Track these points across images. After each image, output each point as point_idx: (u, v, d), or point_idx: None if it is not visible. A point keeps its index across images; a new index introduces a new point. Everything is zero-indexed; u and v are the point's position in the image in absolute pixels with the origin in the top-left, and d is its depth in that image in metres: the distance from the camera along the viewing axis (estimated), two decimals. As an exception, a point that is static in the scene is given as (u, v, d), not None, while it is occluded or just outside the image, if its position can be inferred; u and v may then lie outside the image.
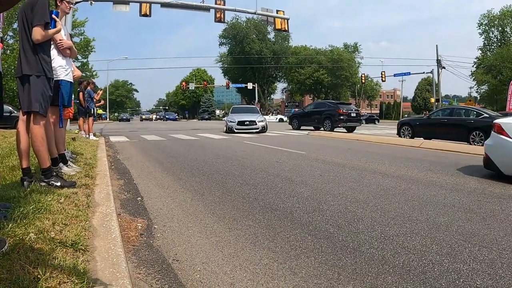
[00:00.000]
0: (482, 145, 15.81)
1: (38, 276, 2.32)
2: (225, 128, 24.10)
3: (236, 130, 22.85)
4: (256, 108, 30.63)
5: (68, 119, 11.15)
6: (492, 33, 67.58)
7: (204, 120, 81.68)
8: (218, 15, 26.78)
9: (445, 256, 3.45)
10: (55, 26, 5.03)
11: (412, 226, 4.37)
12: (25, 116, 4.90)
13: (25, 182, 4.71)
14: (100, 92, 17.98)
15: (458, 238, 3.97)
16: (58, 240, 2.96)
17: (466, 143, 16.83)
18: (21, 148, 4.83)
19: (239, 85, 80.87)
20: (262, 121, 23.90)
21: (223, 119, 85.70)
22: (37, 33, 4.64)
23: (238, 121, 23.12)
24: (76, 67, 7.29)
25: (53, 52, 5.54)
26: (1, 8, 2.17)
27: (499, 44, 65.60)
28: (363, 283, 2.94)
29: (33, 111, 4.75)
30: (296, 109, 45.39)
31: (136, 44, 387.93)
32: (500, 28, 66.32)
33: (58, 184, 4.88)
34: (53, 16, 4.98)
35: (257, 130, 23.16)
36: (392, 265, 3.26)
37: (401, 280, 2.98)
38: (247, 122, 23.25)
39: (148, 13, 24.73)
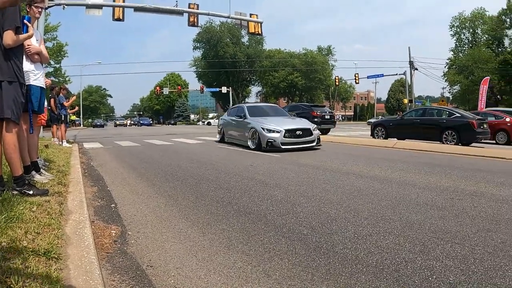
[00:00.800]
0: (455, 144, 16.21)
1: (11, 285, 2.32)
2: (249, 142, 14.46)
3: (283, 147, 13.35)
4: (281, 108, 19.58)
5: (41, 126, 10.96)
6: (464, 35, 69.04)
7: (170, 125, 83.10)
8: (191, 19, 26.64)
9: (418, 254, 3.53)
10: (27, 31, 4.98)
11: (385, 225, 4.44)
12: None
13: (-4, 191, 4.65)
14: (73, 98, 17.51)
15: (431, 235, 4.06)
16: (31, 249, 2.95)
17: (439, 142, 17.15)
18: None
19: (214, 89, 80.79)
20: (315, 129, 14.82)
21: (198, 123, 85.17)
22: (8, 37, 4.58)
23: (286, 130, 13.60)
24: (49, 72, 7.20)
25: None
26: None
27: (471, 45, 66.96)
28: (336, 283, 2.99)
29: (5, 118, 4.69)
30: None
31: (110, 49, 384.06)
32: (471, 30, 67.74)
33: (31, 192, 4.83)
34: (25, 21, 4.93)
35: (313, 144, 14.25)
36: (365, 264, 3.32)
37: (375, 279, 3.04)
38: (299, 132, 13.80)
39: (121, 18, 24.47)
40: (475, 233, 4.12)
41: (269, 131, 13.67)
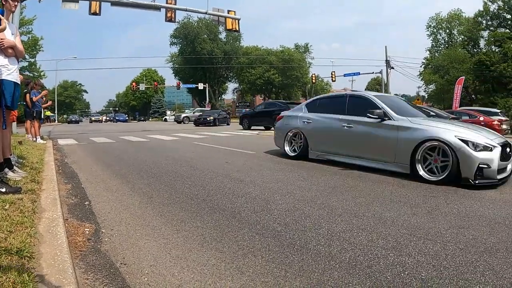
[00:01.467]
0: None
1: (-18, 285, 2.32)
2: (419, 168, 7.42)
3: (499, 176, 6.99)
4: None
5: (13, 122, 10.76)
6: (440, 35, 69.62)
7: (141, 121, 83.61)
8: (169, 14, 26.44)
9: (390, 250, 3.61)
10: (0, 25, 4.92)
11: (359, 222, 4.52)
12: None
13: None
14: (43, 93, 16.55)
15: (404, 232, 4.15)
16: (3, 248, 2.94)
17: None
18: None
19: (190, 86, 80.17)
20: None
21: (172, 119, 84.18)
22: None
23: (503, 146, 7.26)
24: (23, 67, 7.09)
25: None
26: None
27: (447, 45, 67.66)
28: (309, 279, 3.04)
29: None
30: (247, 109, 45.29)
31: (86, 44, 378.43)
32: (447, 31, 68.45)
33: (3, 190, 4.79)
34: None
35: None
36: (338, 261, 3.38)
37: (347, 275, 3.10)
38: (509, 150, 7.47)
39: (97, 12, 24.14)
40: (447, 230, 4.23)
41: (477, 147, 7.05)
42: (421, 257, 3.44)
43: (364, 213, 4.92)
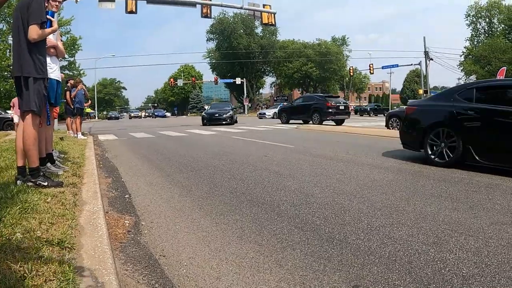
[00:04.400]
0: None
1: (25, 274, 2.35)
2: None
3: None
4: None
5: (55, 119, 11.02)
6: (480, 24, 67.98)
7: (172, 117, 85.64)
8: (204, 10, 26.50)
9: (431, 246, 3.50)
10: (51, 26, 5.06)
11: (399, 217, 4.41)
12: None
13: (18, 181, 4.74)
14: (79, 87, 16.43)
15: (445, 227, 4.01)
16: (45, 239, 2.98)
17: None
18: (20, 146, 4.87)
19: (228, 81, 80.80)
20: None
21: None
22: (34, 31, 4.65)
23: None
24: (63, 66, 7.26)
25: None
26: None
27: (487, 35, 66.00)
28: (348, 274, 2.98)
29: (31, 110, 4.76)
30: (285, 103, 45.19)
31: (123, 42, 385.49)
32: (487, 20, 66.69)
33: (45, 184, 4.88)
34: (48, 16, 5.00)
35: None
36: (378, 256, 3.30)
37: (387, 270, 3.02)
38: None
39: (134, 10, 24.41)
40: (489, 226, 4.06)
41: None
42: (462, 253, 3.32)
43: (404, 208, 4.79)
